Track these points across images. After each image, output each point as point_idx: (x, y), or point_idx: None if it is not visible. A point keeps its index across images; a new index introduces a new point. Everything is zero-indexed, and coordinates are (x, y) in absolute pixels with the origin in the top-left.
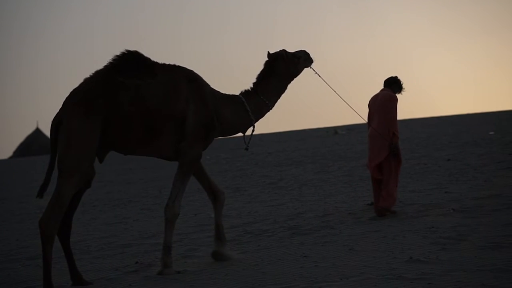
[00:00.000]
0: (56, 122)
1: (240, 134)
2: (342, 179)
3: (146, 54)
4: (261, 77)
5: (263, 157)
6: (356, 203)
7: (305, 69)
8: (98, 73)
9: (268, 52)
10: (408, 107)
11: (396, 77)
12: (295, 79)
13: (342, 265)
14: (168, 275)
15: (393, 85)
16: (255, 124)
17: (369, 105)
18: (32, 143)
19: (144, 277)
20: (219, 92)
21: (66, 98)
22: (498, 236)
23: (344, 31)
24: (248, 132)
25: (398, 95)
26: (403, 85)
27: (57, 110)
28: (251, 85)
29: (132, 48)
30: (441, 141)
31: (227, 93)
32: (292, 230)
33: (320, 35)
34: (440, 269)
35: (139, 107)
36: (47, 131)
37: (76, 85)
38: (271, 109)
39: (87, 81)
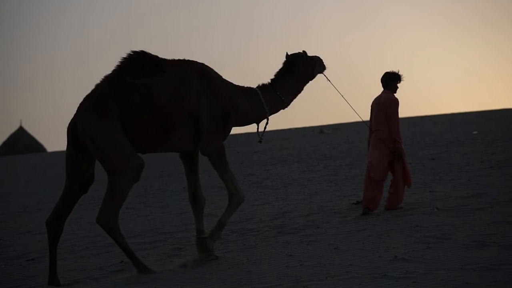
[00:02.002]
0: (72, 127)
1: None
2: (327, 178)
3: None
4: (280, 75)
5: (248, 156)
6: (342, 202)
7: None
8: (107, 77)
9: (287, 53)
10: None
11: (388, 73)
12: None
13: (328, 264)
14: (208, 248)
15: (390, 83)
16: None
17: (371, 107)
18: (16, 142)
19: (129, 277)
20: (232, 83)
21: (80, 104)
22: (482, 235)
23: (341, 29)
24: (262, 125)
25: (398, 89)
26: (400, 75)
27: (41, 109)
28: (269, 81)
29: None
30: (425, 140)
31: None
32: (278, 229)
33: (318, 32)
34: (424, 268)
35: (150, 105)
36: (30, 130)
37: (56, 83)
38: (286, 107)
39: (98, 86)
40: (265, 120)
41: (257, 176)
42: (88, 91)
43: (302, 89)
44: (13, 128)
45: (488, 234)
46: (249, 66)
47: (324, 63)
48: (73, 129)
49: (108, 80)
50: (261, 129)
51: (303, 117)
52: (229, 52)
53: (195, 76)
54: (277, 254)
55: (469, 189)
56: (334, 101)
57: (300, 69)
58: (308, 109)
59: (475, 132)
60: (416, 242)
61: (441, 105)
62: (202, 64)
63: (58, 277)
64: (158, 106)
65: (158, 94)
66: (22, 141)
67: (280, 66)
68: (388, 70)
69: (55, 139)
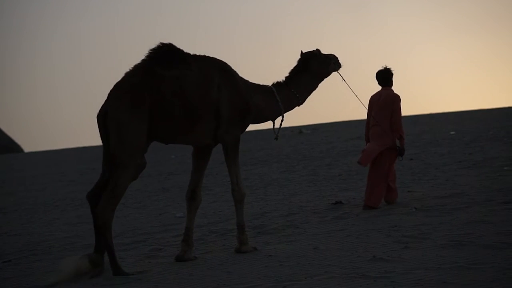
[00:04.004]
0: (103, 115)
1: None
2: (306, 178)
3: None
4: (294, 72)
5: None
6: (321, 202)
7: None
8: (138, 67)
9: (302, 51)
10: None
11: (384, 71)
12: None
13: (307, 264)
14: (247, 252)
15: (388, 80)
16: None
17: (369, 102)
18: None
19: (108, 277)
20: (248, 81)
21: (111, 91)
22: (459, 234)
23: (341, 28)
24: (277, 122)
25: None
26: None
27: (18, 109)
28: (284, 78)
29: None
30: None
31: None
32: (257, 229)
33: (318, 31)
34: (402, 268)
35: (180, 97)
36: (7, 130)
37: (34, 84)
38: (301, 104)
39: (129, 75)
40: (280, 117)
41: None
42: (66, 91)
43: (316, 86)
44: None
45: (465, 233)
46: (251, 66)
47: (340, 61)
48: (104, 116)
49: (139, 70)
50: (276, 126)
51: None
52: (231, 52)
53: (217, 70)
54: (257, 254)
55: (446, 189)
56: (313, 101)
57: (314, 67)
58: None
59: (452, 133)
60: (395, 242)
61: (419, 106)
62: (222, 60)
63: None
64: (187, 98)
65: (186, 86)
66: None
67: (276, 64)
68: (380, 68)
69: (32, 140)
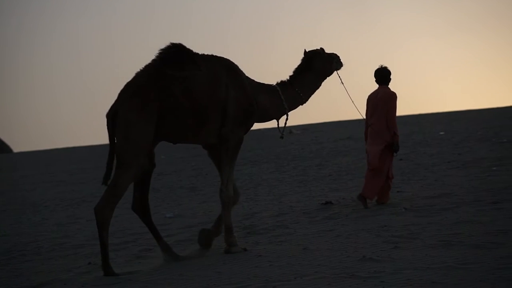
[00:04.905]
0: (112, 114)
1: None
2: (296, 178)
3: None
4: (298, 71)
5: None
6: (311, 202)
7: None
8: (148, 67)
9: (305, 50)
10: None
11: (382, 70)
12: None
13: (297, 264)
14: (236, 253)
15: (387, 78)
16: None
17: (367, 101)
18: None
19: (97, 278)
20: (254, 80)
21: (121, 91)
22: (448, 234)
23: (340, 27)
24: (282, 121)
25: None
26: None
27: (7, 109)
28: (288, 78)
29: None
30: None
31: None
32: (247, 229)
33: (315, 28)
34: (392, 268)
35: (190, 97)
36: None
37: (23, 83)
38: (304, 103)
39: (139, 75)
40: (284, 116)
41: None
42: (56, 91)
43: (319, 85)
44: None
45: (453, 233)
46: (248, 64)
47: (341, 61)
48: (113, 115)
49: (149, 71)
50: (281, 125)
51: None
52: (225, 50)
53: (224, 70)
54: (246, 254)
55: (436, 189)
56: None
57: (318, 66)
58: None
59: (442, 133)
60: (384, 242)
61: (409, 106)
62: (229, 60)
63: (169, 245)
64: (197, 99)
65: (196, 87)
66: None
67: (278, 63)
68: (378, 67)
69: (21, 140)
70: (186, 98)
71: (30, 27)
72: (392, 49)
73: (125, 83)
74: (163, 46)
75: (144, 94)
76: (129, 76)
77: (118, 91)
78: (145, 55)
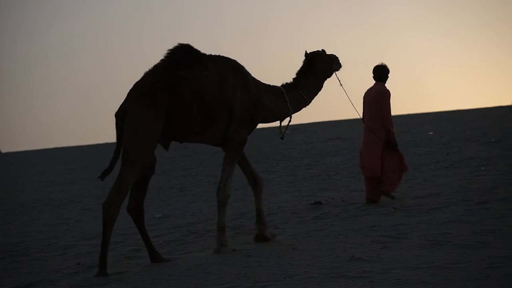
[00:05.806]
0: (122, 113)
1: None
2: (286, 178)
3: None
4: (300, 73)
5: (208, 157)
6: (300, 202)
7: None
8: (157, 67)
9: (306, 51)
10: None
11: (381, 67)
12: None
13: (286, 264)
14: (225, 253)
15: (384, 76)
16: (292, 116)
17: (363, 99)
18: None
19: (85, 279)
20: (259, 81)
21: (130, 90)
22: (436, 234)
23: (339, 27)
24: (285, 122)
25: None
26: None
27: None
28: (291, 80)
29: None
30: None
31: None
32: (237, 229)
33: (317, 32)
34: (381, 267)
35: (198, 98)
36: None
37: (11, 83)
38: (308, 105)
39: (148, 75)
40: (288, 118)
41: (216, 177)
42: (44, 91)
43: (321, 86)
44: None
45: (442, 233)
46: (251, 66)
47: (340, 62)
48: (122, 115)
49: (158, 71)
50: (283, 126)
51: None
52: (231, 53)
53: (231, 70)
54: (236, 254)
55: (424, 189)
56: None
57: (319, 67)
58: None
59: (430, 133)
60: (373, 242)
61: (398, 106)
62: (235, 60)
63: (158, 252)
64: (205, 99)
65: (204, 87)
66: None
67: (275, 65)
68: (377, 64)
69: (9, 140)
70: (194, 99)
71: (40, 27)
72: (380, 49)
73: (114, 84)
74: (171, 47)
75: (153, 94)
76: (121, 77)
77: (109, 92)
78: (139, 56)
